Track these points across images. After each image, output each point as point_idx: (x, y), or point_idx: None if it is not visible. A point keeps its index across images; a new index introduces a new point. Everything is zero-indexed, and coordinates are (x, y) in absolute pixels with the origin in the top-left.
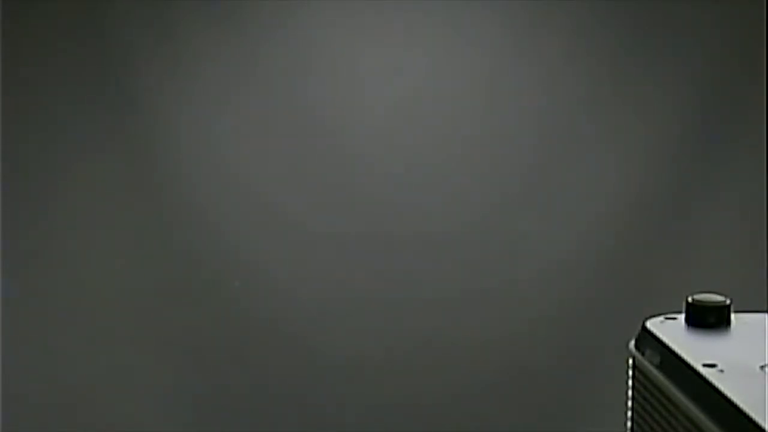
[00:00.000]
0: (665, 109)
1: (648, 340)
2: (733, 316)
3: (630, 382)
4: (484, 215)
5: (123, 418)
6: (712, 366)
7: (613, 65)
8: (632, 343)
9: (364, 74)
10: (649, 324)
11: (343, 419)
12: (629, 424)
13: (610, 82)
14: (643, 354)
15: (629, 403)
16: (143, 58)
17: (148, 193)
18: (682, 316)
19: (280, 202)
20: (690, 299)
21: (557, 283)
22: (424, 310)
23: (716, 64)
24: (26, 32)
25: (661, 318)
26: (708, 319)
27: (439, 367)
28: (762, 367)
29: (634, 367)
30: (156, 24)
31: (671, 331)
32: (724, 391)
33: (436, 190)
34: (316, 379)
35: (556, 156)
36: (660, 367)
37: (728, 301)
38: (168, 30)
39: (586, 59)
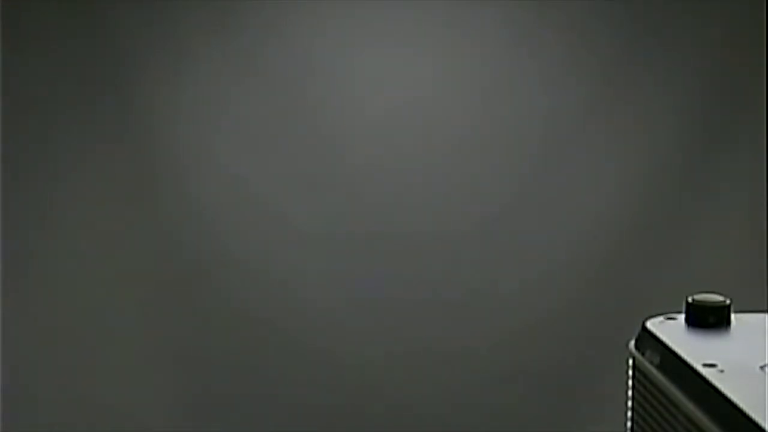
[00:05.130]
0: (665, 109)
1: (648, 340)
2: (733, 316)
3: (630, 382)
4: (484, 216)
5: (122, 418)
6: (712, 366)
7: (614, 66)
8: (632, 343)
9: (364, 75)
10: (649, 324)
11: (343, 419)
12: (629, 424)
13: (611, 83)
14: (643, 354)
15: (629, 403)
16: (143, 58)
17: (148, 193)
18: (682, 316)
19: (280, 203)
20: (690, 299)
21: (557, 284)
22: (424, 311)
23: (716, 64)
24: (26, 32)
25: (661, 318)
26: (708, 319)
27: (439, 367)
28: (762, 367)
29: (634, 367)
30: (156, 25)
31: (671, 331)
32: (724, 391)
33: (435, 191)
34: (315, 379)
35: (557, 157)
36: (660, 367)
37: (728, 301)
38: (167, 31)
39: (586, 60)
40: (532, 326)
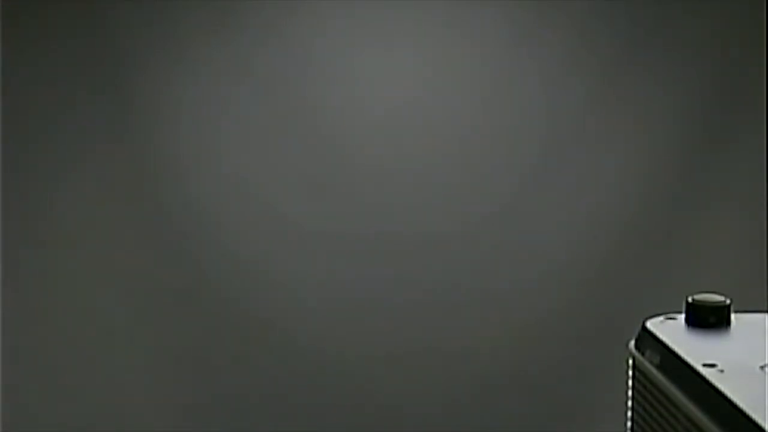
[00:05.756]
0: (665, 109)
1: (648, 340)
2: (733, 316)
3: (630, 382)
4: (484, 216)
5: (122, 418)
6: (712, 366)
7: (614, 66)
8: (632, 343)
9: (365, 75)
10: (649, 324)
11: (342, 419)
12: (629, 424)
13: (611, 83)
14: (643, 354)
15: (629, 403)
16: (143, 58)
17: (148, 193)
18: (682, 316)
19: (280, 203)
20: (690, 299)
21: (558, 284)
22: (424, 311)
23: (716, 64)
24: (26, 32)
25: (661, 318)
26: (708, 319)
27: (439, 367)
28: (762, 367)
29: (634, 367)
30: (155, 25)
31: (671, 331)
32: (724, 391)
33: (435, 191)
34: (315, 379)
35: (557, 156)
36: (660, 367)
37: (728, 301)
38: (168, 31)
39: (586, 60)
40: (532, 326)
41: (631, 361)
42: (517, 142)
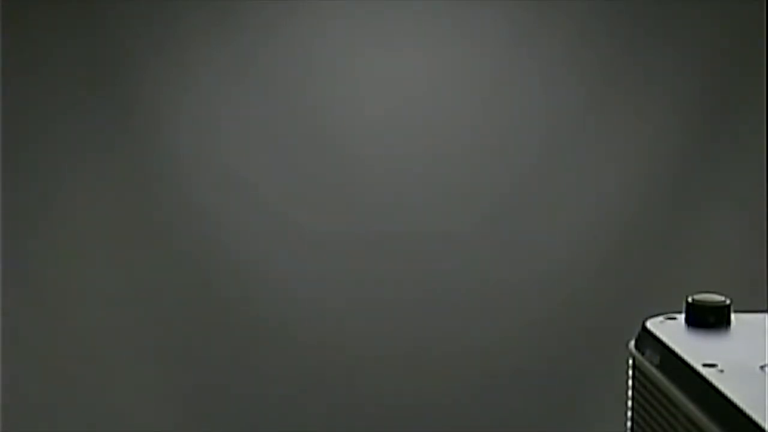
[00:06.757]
0: (665, 109)
1: (648, 340)
2: (733, 316)
3: (630, 382)
4: (484, 216)
5: (123, 418)
6: (712, 366)
7: (614, 66)
8: (632, 343)
9: (365, 75)
10: (649, 324)
11: (343, 419)
12: (629, 424)
13: (610, 82)
14: (643, 354)
15: (629, 403)
16: (143, 58)
17: (148, 194)
18: (682, 316)
19: (280, 203)
20: (690, 299)
21: (558, 284)
22: (425, 311)
23: (716, 64)
24: (26, 32)
25: (661, 318)
26: (708, 319)
27: (439, 367)
28: (762, 367)
29: (634, 367)
30: (156, 25)
31: (671, 331)
32: (724, 391)
33: (435, 191)
34: (315, 379)
35: (557, 156)
36: (660, 367)
37: (728, 301)
38: (168, 31)
39: (586, 60)
40: (532, 326)
41: (631, 361)
42: (517, 142)
